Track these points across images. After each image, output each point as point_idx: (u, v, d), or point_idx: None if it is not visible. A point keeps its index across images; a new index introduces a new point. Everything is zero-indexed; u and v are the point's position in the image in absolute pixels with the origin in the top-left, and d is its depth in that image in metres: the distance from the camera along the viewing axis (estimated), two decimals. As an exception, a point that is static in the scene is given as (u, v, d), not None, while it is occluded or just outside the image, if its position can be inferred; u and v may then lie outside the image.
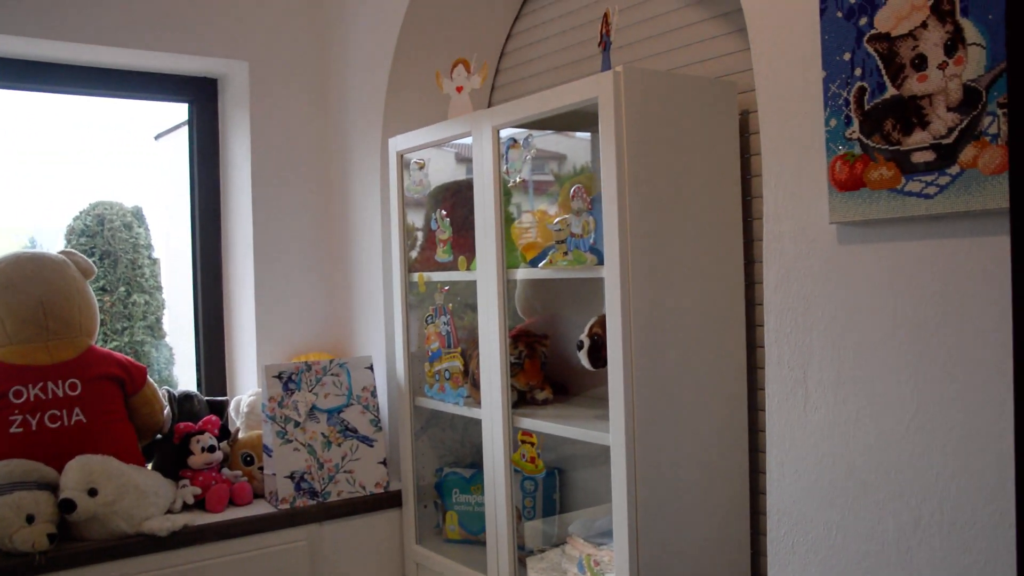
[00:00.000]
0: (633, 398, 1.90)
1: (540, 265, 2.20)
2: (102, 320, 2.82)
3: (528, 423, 2.25)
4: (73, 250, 2.75)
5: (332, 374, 2.77)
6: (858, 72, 1.57)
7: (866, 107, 1.56)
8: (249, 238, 3.13)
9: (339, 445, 2.73)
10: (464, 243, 2.47)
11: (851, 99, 1.58)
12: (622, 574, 1.93)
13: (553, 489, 2.60)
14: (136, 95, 3.19)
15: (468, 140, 2.37)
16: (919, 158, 1.49)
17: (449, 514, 2.71)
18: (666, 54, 2.34)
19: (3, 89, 2.99)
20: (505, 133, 2.26)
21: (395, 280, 2.75)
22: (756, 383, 2.12)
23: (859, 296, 1.65)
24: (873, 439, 1.64)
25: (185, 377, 3.47)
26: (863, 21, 1.56)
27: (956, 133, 1.43)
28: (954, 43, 1.43)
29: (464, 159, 2.79)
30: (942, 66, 1.45)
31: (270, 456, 2.66)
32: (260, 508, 2.64)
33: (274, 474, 2.64)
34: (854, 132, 1.58)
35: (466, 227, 2.44)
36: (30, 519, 2.24)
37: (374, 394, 2.83)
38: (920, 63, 1.48)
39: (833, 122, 1.61)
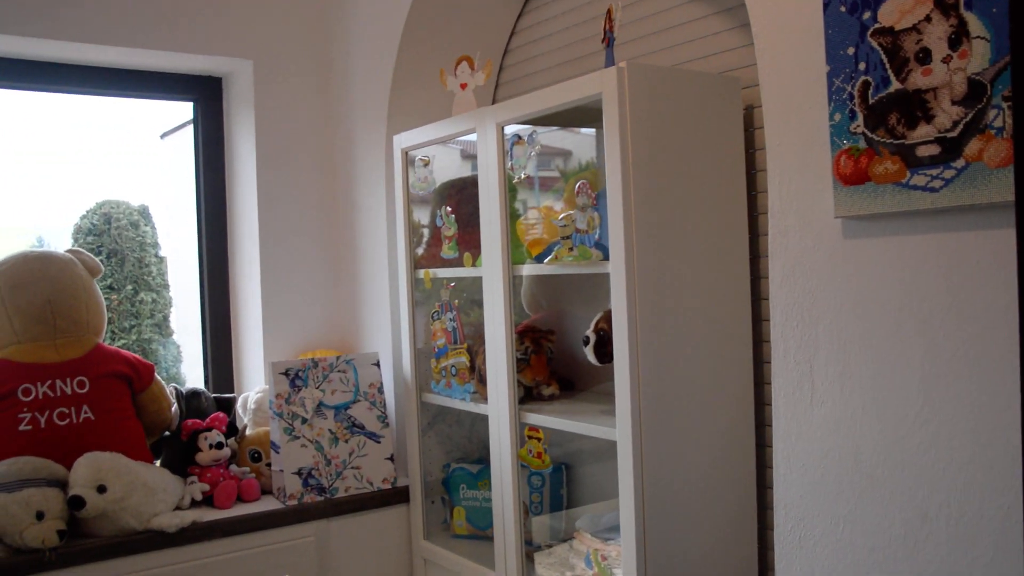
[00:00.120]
0: (639, 393, 1.90)
1: (546, 261, 2.20)
2: (110, 318, 2.83)
3: (535, 419, 2.26)
4: (80, 249, 2.76)
5: (339, 371, 2.78)
6: (862, 66, 1.57)
7: (870, 101, 1.56)
8: (255, 236, 3.14)
9: (346, 441, 2.74)
10: (469, 239, 2.48)
11: (855, 93, 1.58)
12: (629, 569, 1.94)
13: (560, 484, 2.60)
14: (141, 94, 3.19)
15: (473, 137, 2.37)
16: (924, 152, 1.49)
17: (456, 509, 2.72)
18: (670, 50, 2.34)
19: (10, 89, 3.01)
20: (510, 130, 2.26)
21: (401, 277, 2.76)
22: (762, 377, 2.12)
23: (865, 290, 1.65)
24: (880, 433, 1.64)
25: (193, 374, 3.48)
26: (867, 15, 1.56)
27: (961, 127, 1.44)
28: (958, 36, 1.43)
29: (469, 156, 2.79)
30: (946, 60, 1.45)
31: (278, 452, 2.67)
32: (268, 504, 2.65)
33: (282, 470, 2.65)
34: (858, 126, 1.58)
35: (471, 223, 2.45)
36: (40, 516, 2.25)
37: (381, 390, 2.83)
38: (924, 57, 1.48)
39: (837, 116, 1.61)
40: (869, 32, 1.55)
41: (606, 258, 1.97)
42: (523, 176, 2.25)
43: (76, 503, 2.29)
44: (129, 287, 3.40)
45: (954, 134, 1.45)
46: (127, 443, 2.52)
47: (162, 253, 3.52)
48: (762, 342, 2.12)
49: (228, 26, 3.06)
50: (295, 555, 2.62)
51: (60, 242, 3.35)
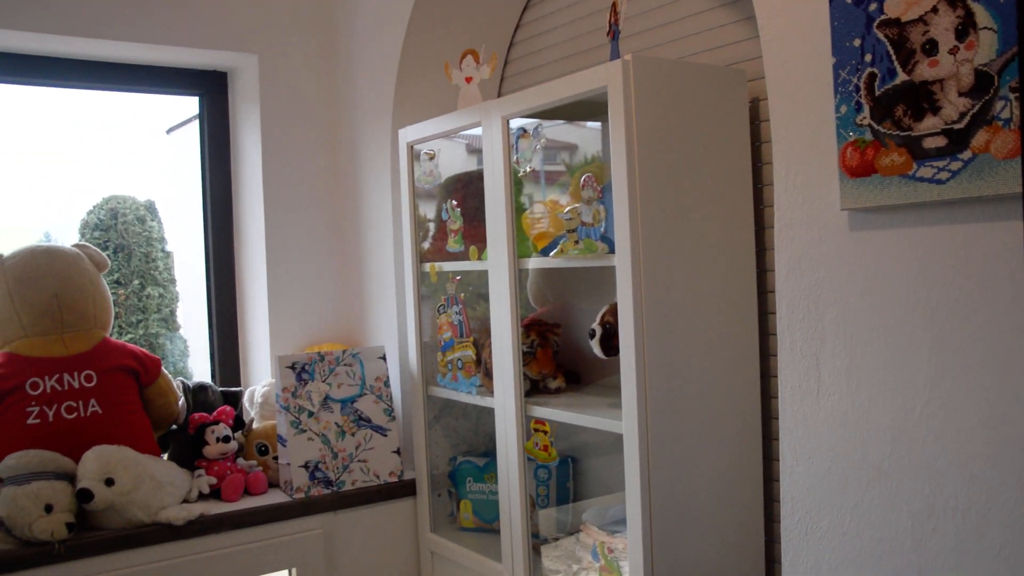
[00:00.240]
0: (645, 386, 1.91)
1: (551, 254, 2.20)
2: (117, 313, 2.84)
3: (541, 412, 2.26)
4: (87, 243, 2.77)
5: (345, 364, 2.79)
6: (868, 58, 1.56)
7: (876, 93, 1.56)
8: (261, 230, 3.15)
9: (353, 435, 2.75)
10: (475, 233, 2.48)
11: (861, 85, 1.58)
12: (636, 562, 1.94)
13: (567, 477, 2.61)
14: (146, 89, 3.20)
15: (478, 131, 2.37)
16: (931, 143, 1.49)
17: (463, 502, 2.73)
18: (675, 42, 2.34)
19: (15, 85, 3.01)
20: (515, 123, 2.26)
21: (407, 270, 2.76)
22: (768, 370, 2.12)
23: (871, 282, 1.65)
24: (887, 425, 1.64)
25: (199, 369, 3.49)
26: (873, 7, 1.55)
27: (968, 118, 1.43)
28: (965, 27, 1.42)
29: (475, 151, 2.80)
30: (953, 51, 1.44)
31: (284, 446, 2.68)
32: (275, 497, 2.66)
33: (288, 464, 2.66)
34: (865, 118, 1.58)
35: (477, 217, 2.45)
36: (48, 509, 2.27)
37: (387, 384, 2.84)
38: (931, 48, 1.47)
39: (843, 108, 1.61)
40: (875, 23, 1.55)
41: (612, 251, 1.97)
42: (528, 169, 2.25)
43: (84, 496, 2.30)
44: (136, 282, 3.42)
45: (961, 126, 1.44)
46: (134, 436, 2.53)
47: (168, 248, 3.53)
48: (768, 335, 2.12)
49: (233, 20, 3.06)
50: (302, 548, 2.63)
51: (67, 238, 3.36)
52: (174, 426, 2.77)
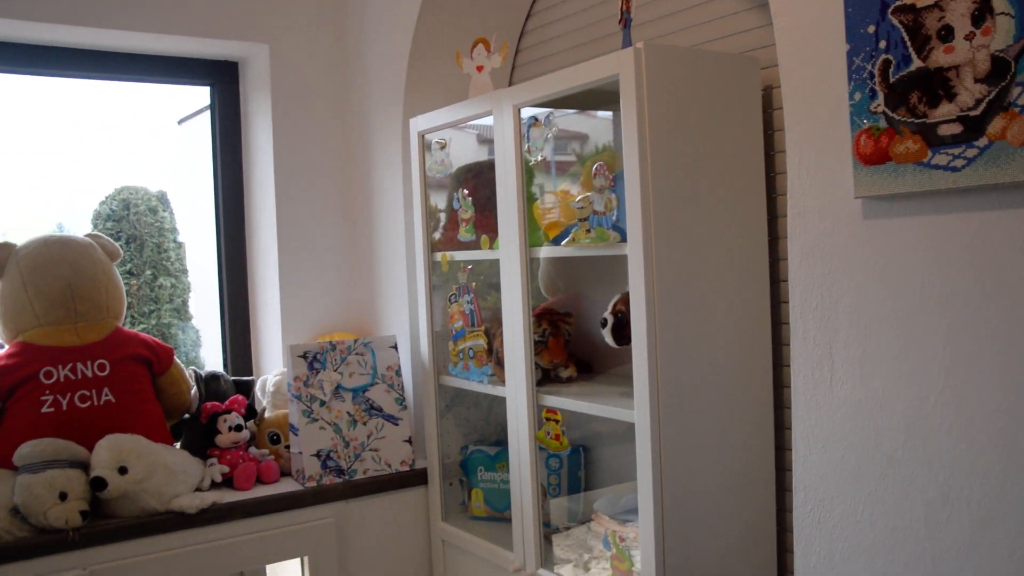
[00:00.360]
0: (657, 375, 1.90)
1: (563, 243, 2.20)
2: (129, 303, 2.85)
3: (552, 401, 2.26)
4: (99, 233, 2.78)
5: (357, 353, 2.79)
6: (883, 45, 1.55)
7: (891, 80, 1.54)
8: (272, 220, 3.15)
9: (364, 424, 2.75)
10: (487, 222, 2.48)
11: (876, 72, 1.56)
12: (648, 551, 1.94)
13: (578, 466, 2.61)
14: (158, 79, 3.20)
15: (489, 121, 2.37)
16: (946, 131, 1.47)
17: (475, 491, 2.73)
18: (687, 30, 2.32)
19: (26, 75, 3.02)
20: (526, 112, 2.25)
21: (418, 259, 2.76)
22: (781, 359, 2.11)
23: (885, 271, 1.64)
24: (901, 414, 1.63)
25: (212, 358, 3.50)
26: (889, -8, 1.54)
27: (984, 105, 1.42)
28: (981, 13, 1.41)
29: (486, 140, 2.79)
30: (969, 37, 1.43)
31: (296, 435, 2.68)
32: (287, 486, 2.67)
33: (300, 452, 2.67)
34: (879, 105, 1.57)
35: (488, 206, 2.45)
36: (63, 496, 2.28)
37: (399, 373, 2.85)
38: (946, 34, 1.46)
39: (857, 96, 1.60)
40: (890, 10, 1.54)
41: (624, 240, 1.97)
42: (540, 158, 2.24)
43: (98, 484, 2.31)
44: (148, 272, 3.43)
45: (977, 112, 1.43)
46: (147, 425, 2.55)
47: (180, 238, 3.54)
48: (781, 324, 2.11)
49: (244, 10, 3.06)
50: (314, 536, 2.64)
51: (80, 228, 3.37)
52: (187, 415, 2.78)
